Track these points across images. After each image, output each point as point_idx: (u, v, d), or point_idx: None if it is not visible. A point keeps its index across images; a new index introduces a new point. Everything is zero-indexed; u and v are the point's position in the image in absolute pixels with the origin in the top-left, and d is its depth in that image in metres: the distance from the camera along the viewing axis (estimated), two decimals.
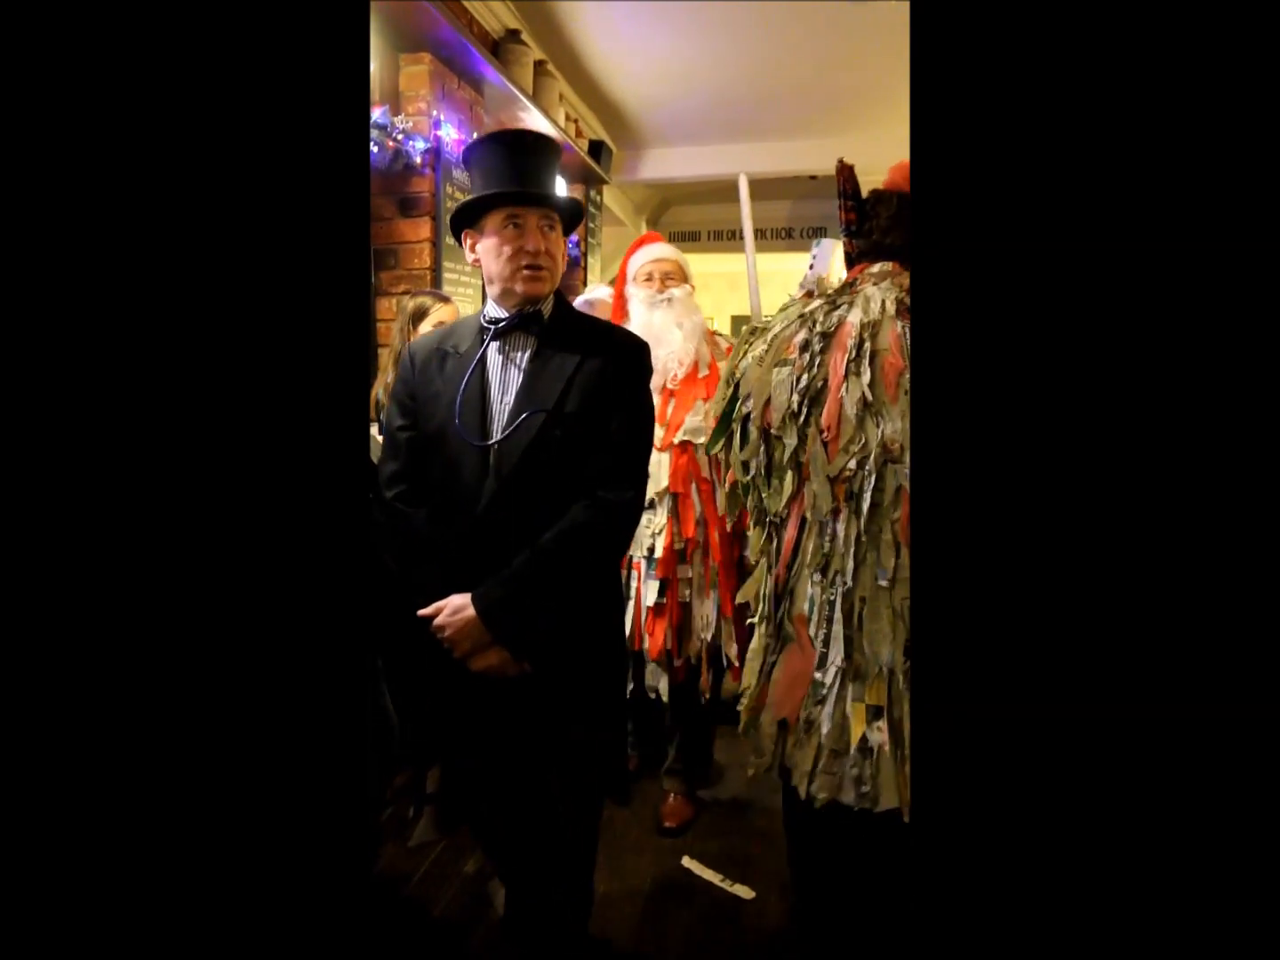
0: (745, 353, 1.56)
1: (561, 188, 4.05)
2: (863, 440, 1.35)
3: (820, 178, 5.61)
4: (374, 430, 1.94)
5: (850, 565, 1.37)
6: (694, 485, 2.22)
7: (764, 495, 1.50)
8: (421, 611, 1.41)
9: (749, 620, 1.65)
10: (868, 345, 1.37)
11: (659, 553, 2.21)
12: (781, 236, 6.79)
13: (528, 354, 1.45)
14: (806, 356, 1.43)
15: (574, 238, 4.53)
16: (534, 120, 3.48)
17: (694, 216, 6.98)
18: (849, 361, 1.38)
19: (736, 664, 2.18)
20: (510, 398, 1.43)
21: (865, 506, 1.35)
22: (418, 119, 2.75)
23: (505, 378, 1.45)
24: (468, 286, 3.07)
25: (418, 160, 2.73)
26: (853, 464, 1.36)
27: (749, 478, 1.53)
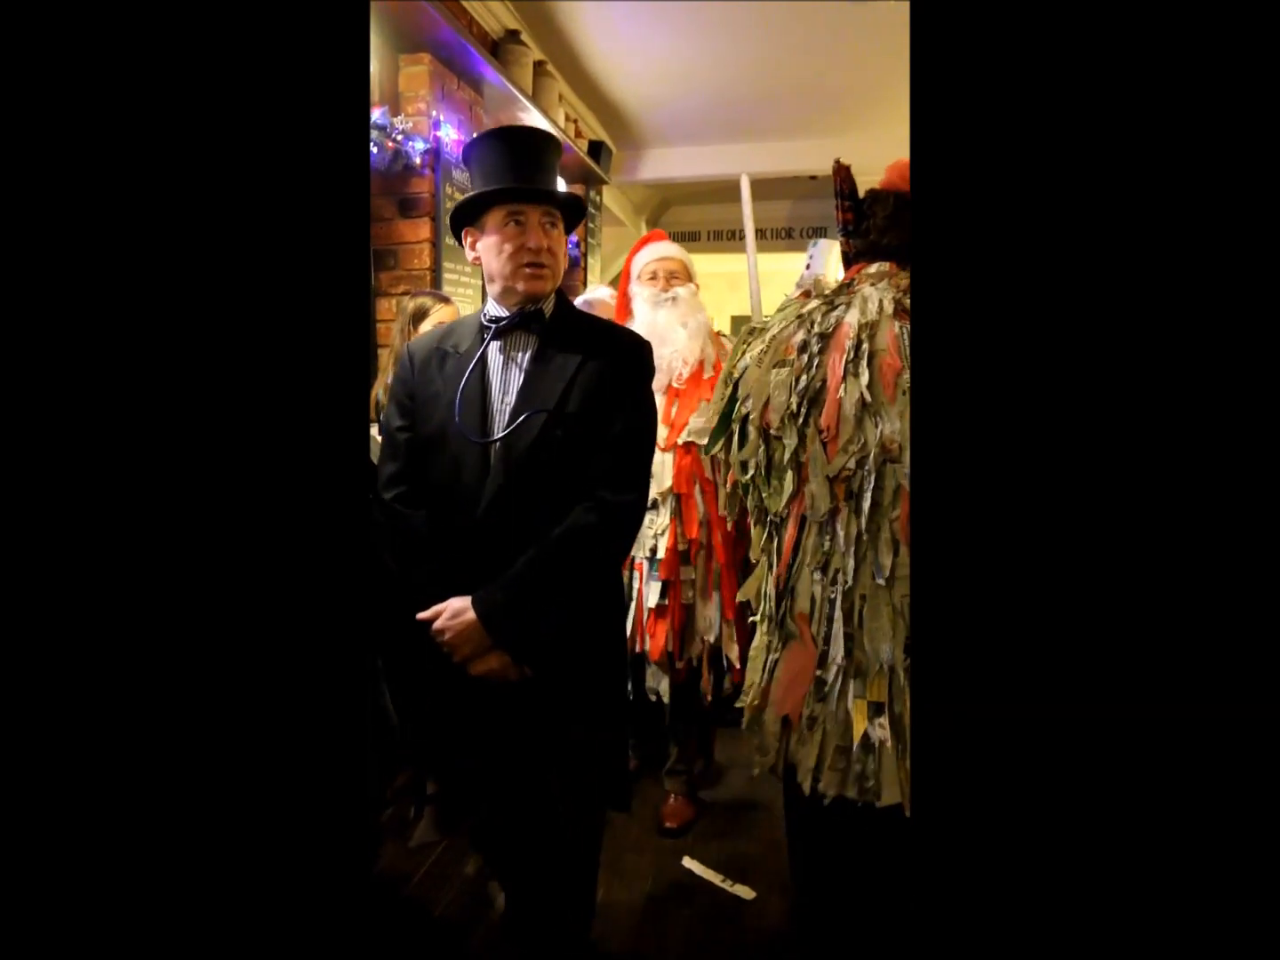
0: (743, 353, 1.57)
1: (561, 188, 4.03)
2: (861, 440, 1.36)
3: (820, 178, 5.60)
4: (374, 431, 1.94)
5: (850, 564, 1.37)
6: (697, 486, 2.20)
7: (764, 495, 1.50)
8: (421, 615, 1.40)
9: (751, 619, 1.65)
10: (865, 346, 1.38)
11: (661, 554, 2.20)
12: (781, 236, 6.79)
13: (529, 353, 1.43)
14: (805, 357, 1.43)
15: (573, 238, 4.53)
16: (533, 120, 3.47)
17: (694, 216, 6.98)
18: (847, 362, 1.38)
19: (737, 666, 2.17)
20: (511, 397, 1.41)
21: (865, 506, 1.35)
22: (417, 119, 2.74)
23: (506, 377, 1.43)
24: (467, 287, 3.07)
25: (417, 161, 2.73)
26: (852, 464, 1.37)
27: (748, 477, 1.53)
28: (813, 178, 5.63)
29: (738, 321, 8.91)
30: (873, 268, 1.49)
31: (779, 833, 2.19)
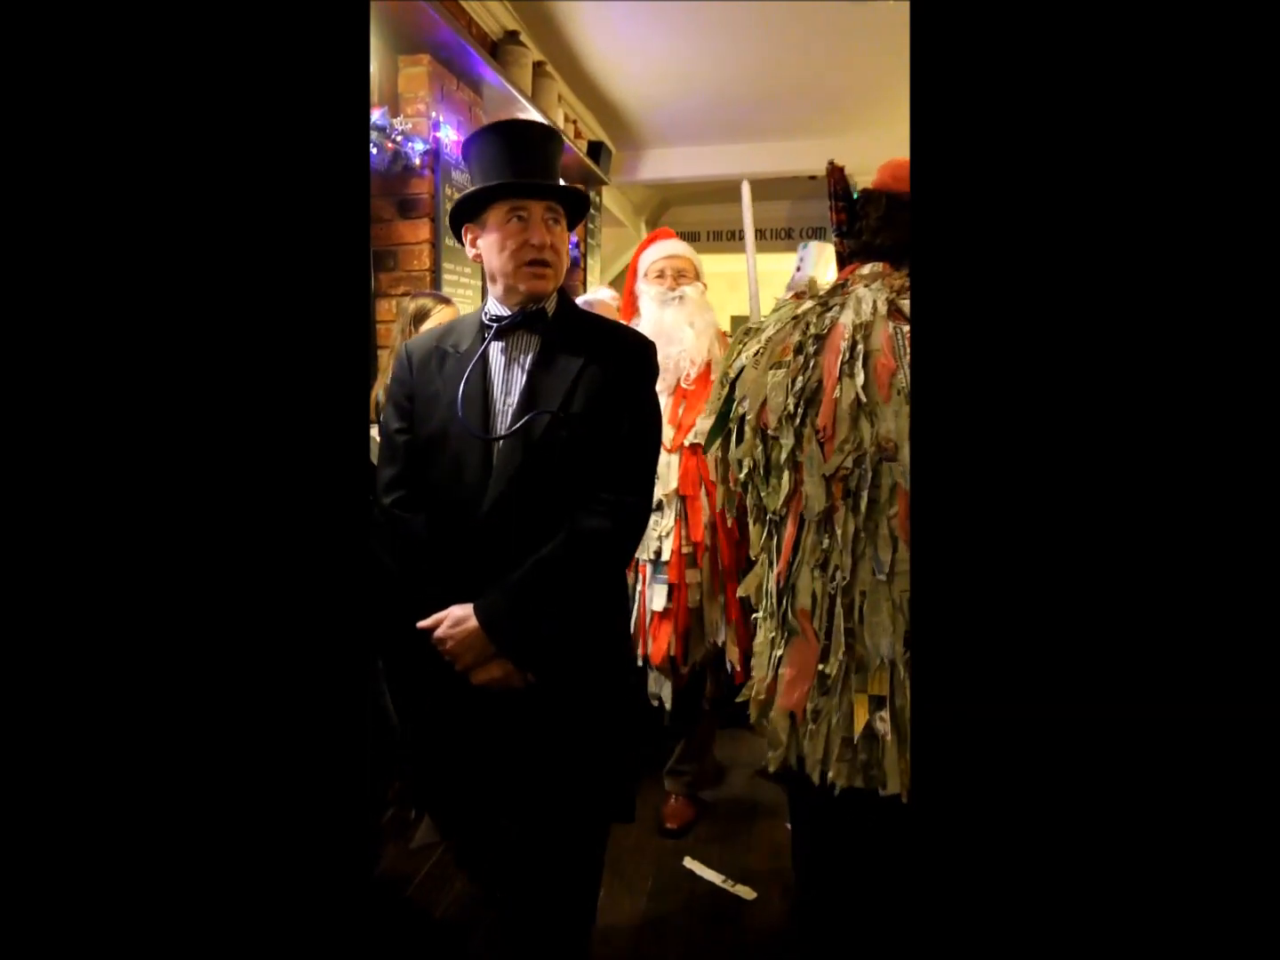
0: (739, 353, 1.57)
1: None
2: (857, 439, 1.37)
3: (820, 178, 5.55)
4: (374, 432, 1.94)
5: (849, 561, 1.38)
6: (703, 488, 2.18)
7: (762, 494, 1.51)
8: (421, 623, 1.36)
9: (753, 616, 1.65)
10: (860, 347, 1.39)
11: (666, 556, 2.17)
12: (781, 237, 6.79)
13: (532, 354, 1.40)
14: (801, 358, 1.44)
15: (573, 239, 4.53)
16: None
17: (694, 217, 6.97)
18: (842, 363, 1.39)
19: (739, 668, 2.16)
20: (514, 398, 1.38)
21: (863, 504, 1.37)
22: (417, 120, 2.74)
23: (509, 377, 1.40)
24: (467, 288, 3.07)
25: (417, 162, 2.72)
26: (849, 462, 1.38)
27: (744, 474, 1.54)
28: (812, 178, 5.62)
29: (737, 321, 8.89)
30: (866, 268, 1.50)
31: (780, 833, 2.20)
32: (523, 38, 3.45)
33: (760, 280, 2.60)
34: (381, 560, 1.46)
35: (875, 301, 1.42)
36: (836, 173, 1.51)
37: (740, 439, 1.54)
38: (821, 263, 2.32)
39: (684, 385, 2.22)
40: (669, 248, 2.33)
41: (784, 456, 1.44)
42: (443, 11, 2.59)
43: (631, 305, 2.36)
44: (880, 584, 1.36)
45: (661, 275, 2.26)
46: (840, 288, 1.50)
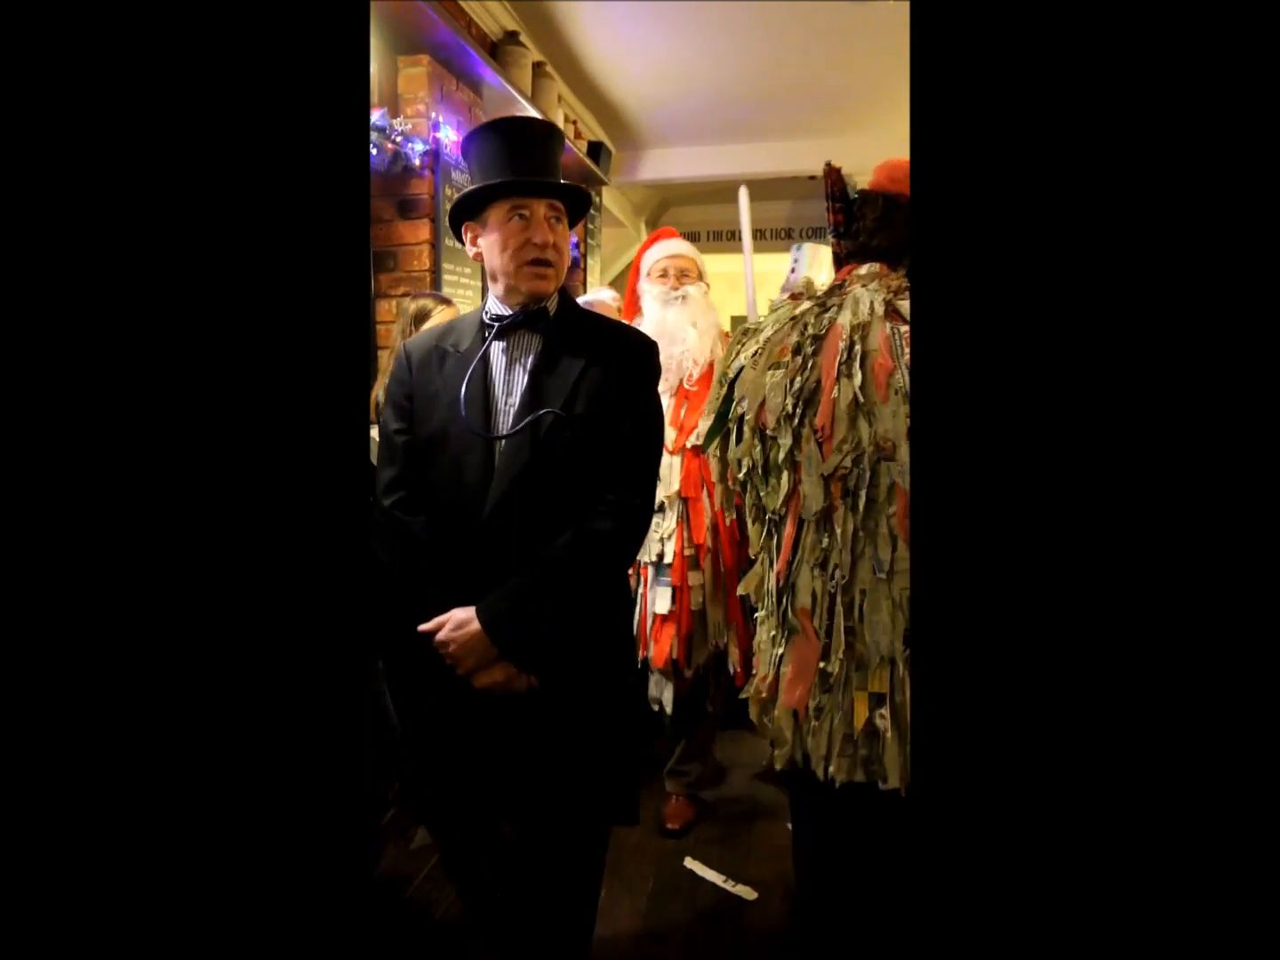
0: (737, 353, 1.57)
1: None
2: (855, 439, 1.38)
3: (819, 178, 5.59)
4: (374, 432, 1.94)
5: (848, 559, 1.39)
6: (705, 490, 2.16)
7: (761, 494, 1.52)
8: (423, 627, 1.35)
9: (755, 613, 1.65)
10: (858, 347, 1.40)
11: (668, 558, 2.16)
12: (781, 237, 6.79)
13: (534, 354, 1.39)
14: (799, 359, 1.44)
15: (573, 239, 4.53)
16: None
17: (694, 217, 6.98)
18: (840, 363, 1.40)
19: (739, 670, 2.16)
20: (515, 399, 1.37)
21: (861, 503, 1.37)
22: (416, 121, 2.74)
23: (510, 378, 1.39)
24: (467, 289, 3.07)
25: (416, 162, 2.73)
26: (848, 462, 1.38)
27: (743, 473, 1.54)
28: (812, 178, 5.61)
29: (737, 321, 8.89)
30: (863, 269, 1.50)
31: (780, 833, 2.20)
32: (522, 38, 3.45)
33: (760, 280, 2.60)
34: (381, 561, 1.45)
35: (872, 302, 1.43)
36: (833, 174, 1.52)
37: (739, 439, 1.54)
38: (815, 264, 2.32)
39: (687, 386, 2.21)
40: (672, 247, 2.31)
41: (782, 456, 1.44)
42: (442, 12, 2.60)
43: (634, 305, 2.34)
44: (880, 582, 1.37)
45: (664, 275, 2.25)
46: (838, 288, 1.51)
